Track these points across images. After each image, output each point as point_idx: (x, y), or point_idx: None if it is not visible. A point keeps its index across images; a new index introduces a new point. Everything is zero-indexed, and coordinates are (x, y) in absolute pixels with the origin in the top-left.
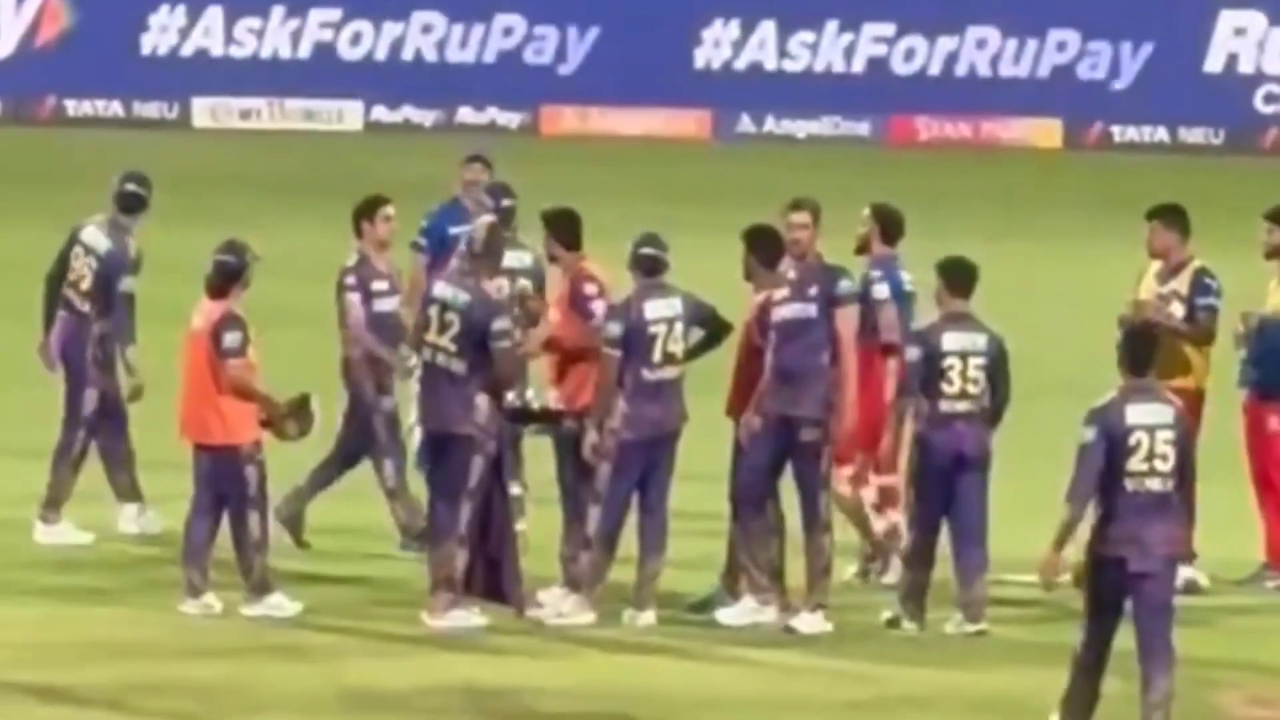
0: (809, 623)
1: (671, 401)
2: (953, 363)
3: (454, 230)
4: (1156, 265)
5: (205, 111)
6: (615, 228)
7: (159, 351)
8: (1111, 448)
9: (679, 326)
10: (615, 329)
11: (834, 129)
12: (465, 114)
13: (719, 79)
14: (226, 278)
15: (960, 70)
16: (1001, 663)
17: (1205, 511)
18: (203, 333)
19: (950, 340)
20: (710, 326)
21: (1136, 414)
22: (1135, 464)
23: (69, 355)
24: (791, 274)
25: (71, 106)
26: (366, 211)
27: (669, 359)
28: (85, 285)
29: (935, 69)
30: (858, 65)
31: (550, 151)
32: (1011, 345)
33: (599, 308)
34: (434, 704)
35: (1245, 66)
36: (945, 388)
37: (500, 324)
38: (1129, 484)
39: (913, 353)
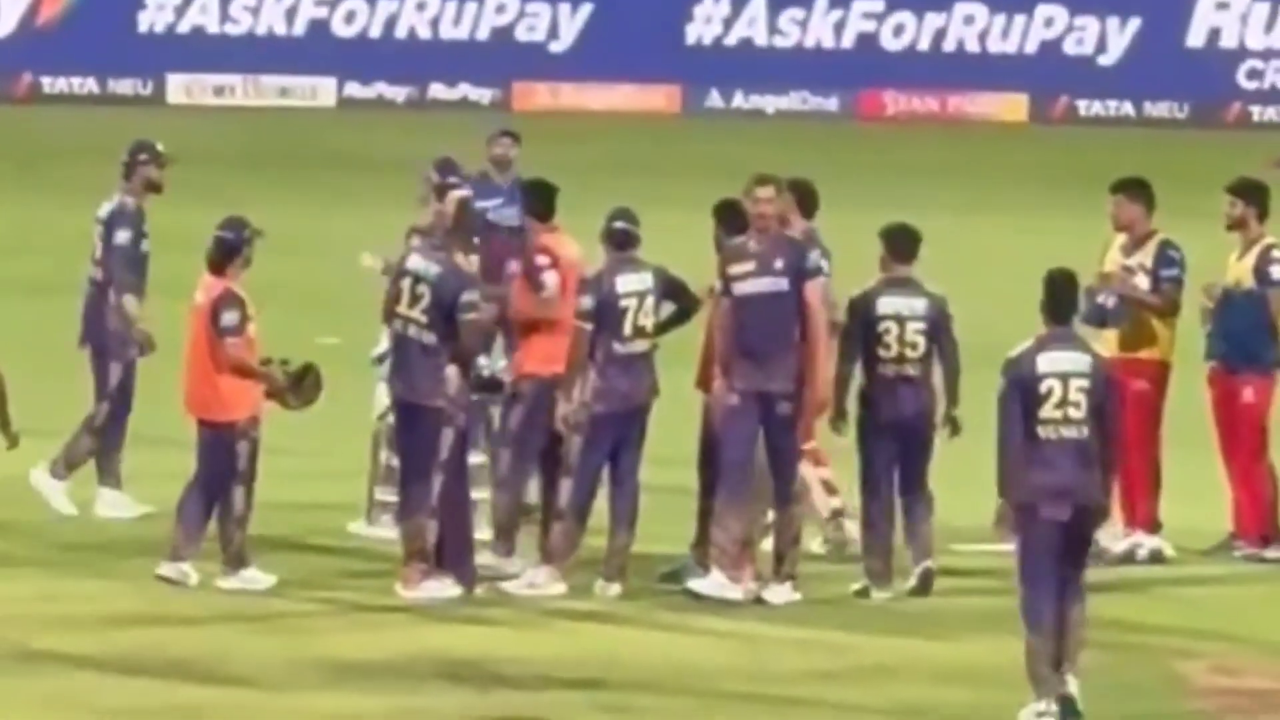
0: (779, 593)
1: (642, 375)
2: (888, 326)
3: (481, 204)
4: (1121, 238)
5: (180, 88)
6: (586, 202)
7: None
8: (1024, 396)
9: (650, 300)
10: (587, 302)
11: (803, 104)
12: (438, 90)
13: (690, 55)
14: (225, 254)
15: (925, 45)
16: (971, 631)
17: (1172, 482)
18: (203, 309)
19: (885, 304)
20: (680, 301)
21: (1049, 362)
22: (1048, 411)
23: (92, 328)
24: (754, 247)
25: (47, 84)
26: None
27: (640, 332)
28: (97, 254)
29: (902, 44)
30: (827, 41)
31: (522, 127)
32: (976, 316)
33: (549, 279)
34: (408, 674)
35: (1228, 41)
36: (882, 352)
37: (468, 296)
38: (1043, 431)
39: (849, 319)
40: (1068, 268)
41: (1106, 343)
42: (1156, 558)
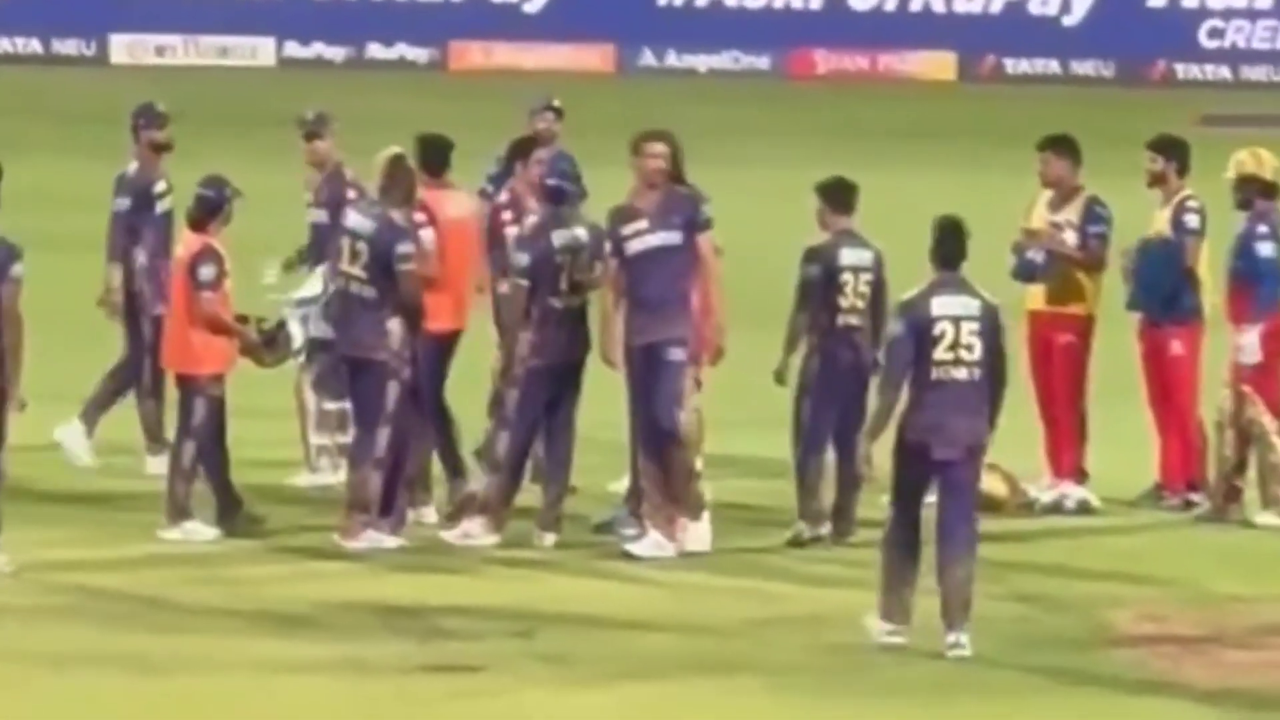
0: (695, 534)
1: (577, 329)
2: (848, 279)
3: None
4: (1047, 194)
5: (123, 48)
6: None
7: (77, 282)
8: (918, 338)
9: (584, 256)
10: (523, 259)
11: (734, 63)
12: (375, 50)
13: (623, 15)
14: (205, 212)
15: (855, 5)
16: None
17: (1099, 434)
18: (181, 263)
19: (846, 256)
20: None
21: (942, 305)
22: (940, 353)
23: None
24: (645, 205)
25: None
26: (521, 152)
27: (575, 288)
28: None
29: (832, 4)
30: (758, 1)
31: (457, 86)
32: (905, 273)
33: (426, 236)
34: (347, 622)
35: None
36: (842, 302)
37: (404, 248)
38: (935, 373)
39: (812, 270)
40: (957, 215)
41: (1034, 297)
42: (1084, 508)
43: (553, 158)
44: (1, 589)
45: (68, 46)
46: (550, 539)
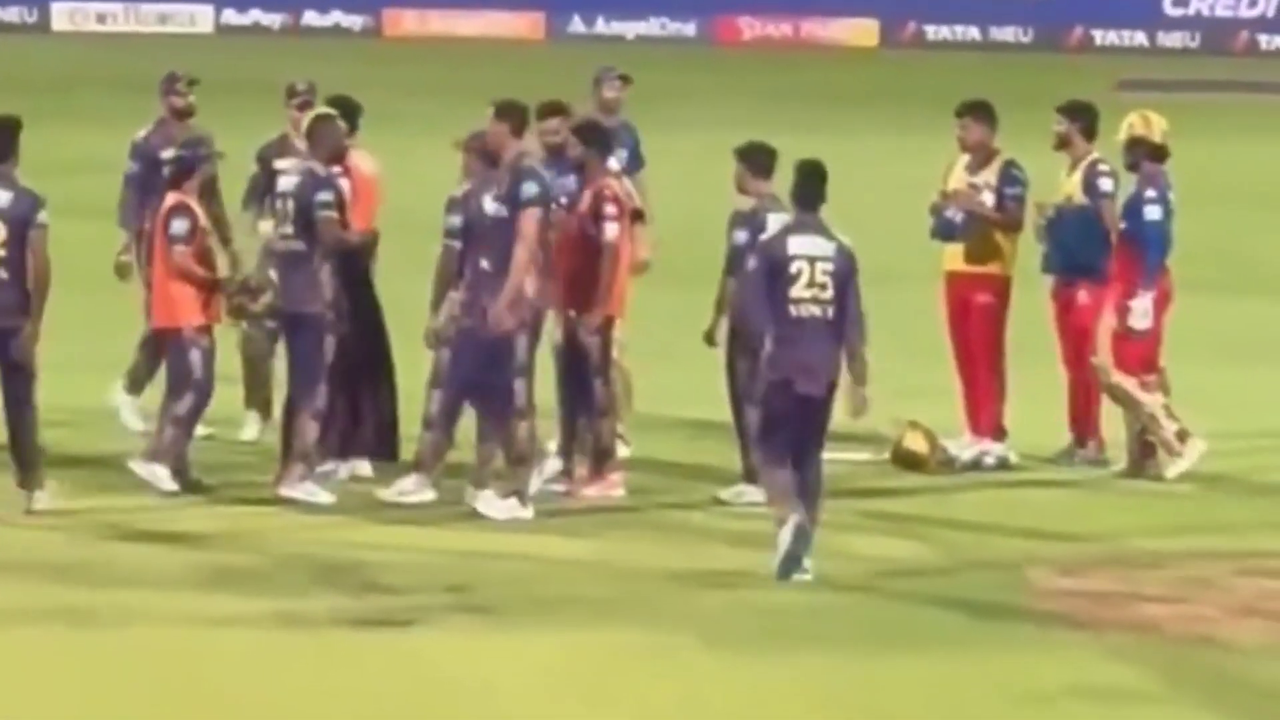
0: (498, 507)
1: None
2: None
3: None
4: (965, 157)
5: (64, 15)
6: (454, 124)
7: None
8: (774, 276)
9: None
10: (455, 220)
11: (661, 29)
12: (311, 17)
13: None
14: (181, 171)
15: None
16: (829, 536)
17: (1016, 392)
18: (160, 220)
19: (773, 220)
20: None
21: (798, 245)
22: (797, 291)
23: None
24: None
25: None
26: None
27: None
28: None
29: None
30: None
31: (392, 52)
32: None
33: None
34: (282, 577)
35: None
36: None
37: (322, 196)
38: (793, 310)
39: (741, 235)
40: (817, 159)
41: (952, 258)
42: (1003, 464)
43: (616, 128)
44: None
45: (10, 14)
46: (485, 495)
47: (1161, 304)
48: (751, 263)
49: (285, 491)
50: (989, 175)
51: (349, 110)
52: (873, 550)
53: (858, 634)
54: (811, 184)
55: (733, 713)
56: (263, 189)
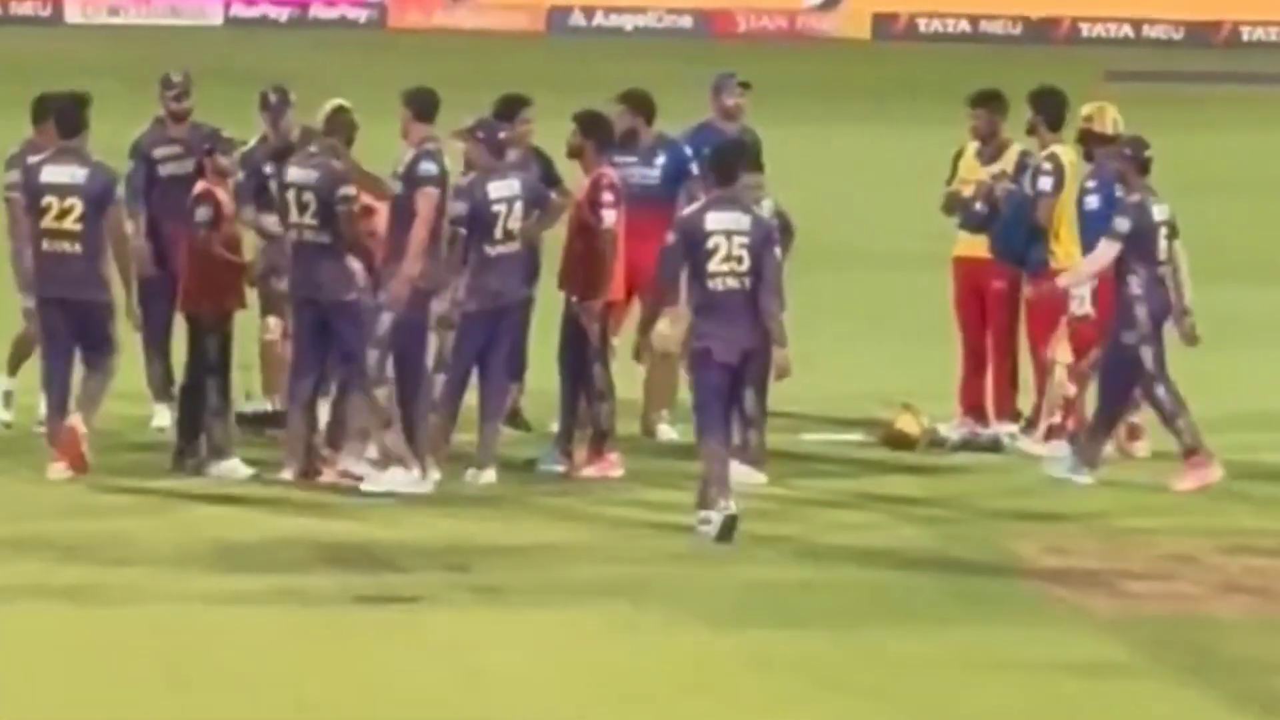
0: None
1: (511, 275)
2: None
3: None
4: (975, 145)
5: (76, 8)
6: (459, 115)
7: None
8: (692, 250)
9: (519, 205)
10: (460, 208)
11: (659, 22)
12: (318, 10)
13: None
14: (205, 160)
15: None
16: (819, 512)
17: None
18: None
19: (765, 206)
20: (545, 206)
21: (716, 220)
22: (715, 265)
23: None
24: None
25: None
26: (508, 112)
27: (509, 235)
28: None
29: None
30: None
31: (396, 44)
32: (823, 222)
33: None
34: (290, 557)
35: None
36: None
37: (344, 190)
38: (710, 283)
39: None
40: (738, 137)
41: (965, 244)
42: (994, 445)
43: (694, 131)
44: None
45: (24, 8)
46: (485, 476)
47: (1103, 291)
48: (669, 236)
49: (338, 469)
50: (1005, 164)
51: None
52: (865, 528)
53: (851, 609)
54: (730, 162)
55: (732, 686)
56: (253, 189)
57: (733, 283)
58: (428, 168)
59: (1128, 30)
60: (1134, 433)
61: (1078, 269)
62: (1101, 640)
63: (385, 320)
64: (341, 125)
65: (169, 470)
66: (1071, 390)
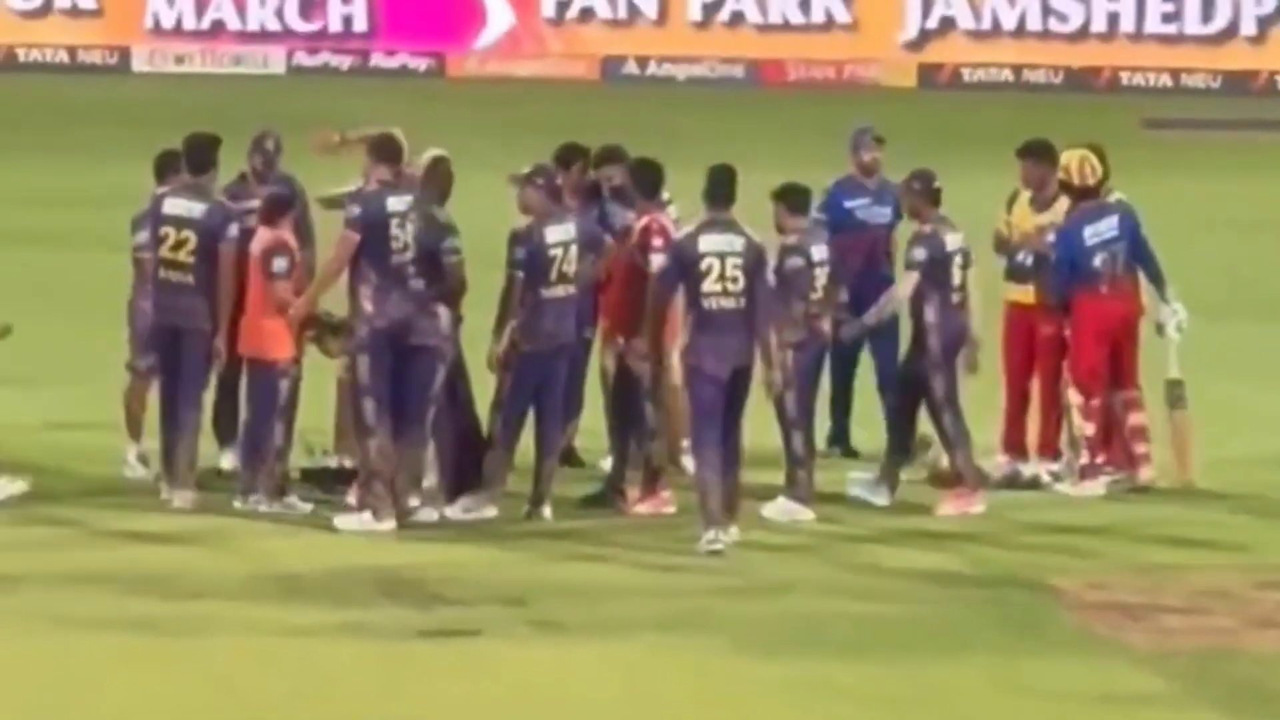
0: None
1: (565, 317)
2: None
3: (849, 204)
4: (1028, 194)
5: (143, 57)
6: (514, 160)
7: (108, 277)
8: (686, 272)
9: (574, 249)
10: (519, 252)
11: (711, 72)
12: (378, 58)
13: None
14: (277, 208)
15: (818, 18)
16: (858, 548)
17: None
18: (256, 258)
19: (816, 249)
20: (600, 251)
21: (709, 243)
22: (709, 285)
23: None
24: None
25: (22, 54)
26: (567, 160)
27: (563, 278)
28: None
29: (799, 18)
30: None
31: (455, 93)
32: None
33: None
34: (351, 590)
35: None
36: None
37: (449, 243)
38: (706, 303)
39: (796, 261)
40: (728, 163)
41: (1019, 290)
42: (1034, 483)
43: (877, 187)
44: (25, 559)
45: (93, 55)
46: (541, 512)
47: (1090, 332)
48: (664, 259)
49: (423, 517)
50: (1053, 215)
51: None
52: (911, 564)
53: (898, 642)
54: (721, 185)
55: (786, 714)
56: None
57: (726, 302)
58: (352, 210)
59: (1166, 80)
60: (1138, 460)
61: (882, 305)
62: (1139, 672)
63: (362, 365)
64: (440, 175)
65: (235, 504)
66: (1090, 429)
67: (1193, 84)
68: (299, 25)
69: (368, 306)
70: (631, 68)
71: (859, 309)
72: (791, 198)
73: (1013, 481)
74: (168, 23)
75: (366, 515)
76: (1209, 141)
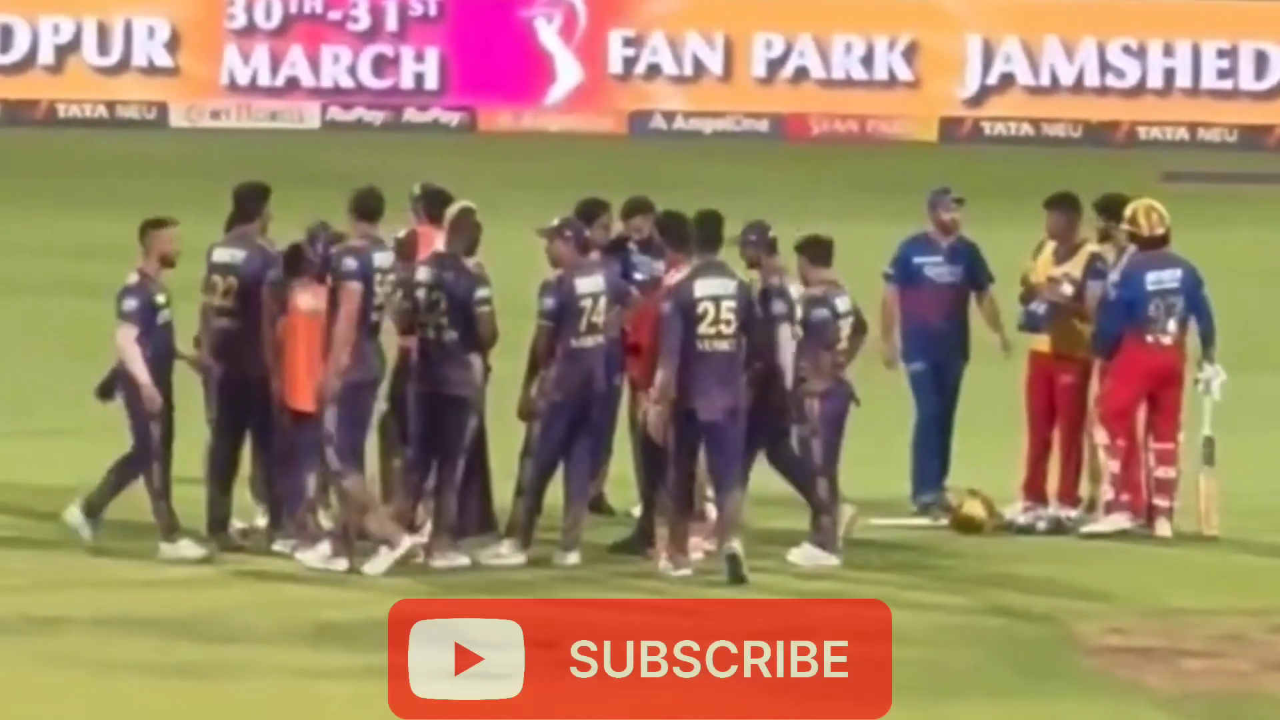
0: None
1: (594, 366)
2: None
3: (917, 260)
4: (1051, 244)
5: (180, 112)
6: (544, 212)
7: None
8: (684, 316)
9: (603, 300)
10: (549, 303)
11: (736, 125)
12: (411, 113)
13: (636, 83)
14: (314, 261)
15: (839, 73)
16: (891, 589)
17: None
18: (318, 314)
19: (841, 301)
20: (626, 302)
21: (704, 287)
22: (704, 329)
23: None
24: None
25: (62, 109)
26: (589, 215)
27: (592, 329)
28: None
29: (822, 73)
30: (759, 70)
31: (486, 146)
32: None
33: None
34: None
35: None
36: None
37: (482, 293)
38: (700, 345)
39: (821, 313)
40: (715, 209)
41: (1039, 341)
42: (1056, 528)
43: (949, 247)
44: (65, 602)
45: (130, 111)
46: (571, 558)
47: (1127, 374)
48: (664, 307)
49: (436, 564)
50: (1073, 267)
51: (442, 199)
52: (932, 607)
53: (916, 684)
54: (710, 230)
55: None
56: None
57: (720, 345)
58: (348, 264)
59: (1184, 134)
60: (1157, 513)
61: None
62: (1158, 714)
63: (329, 416)
64: (467, 226)
65: (265, 549)
66: (1115, 465)
67: (1209, 138)
68: (345, 81)
69: (344, 359)
70: (659, 122)
71: (934, 361)
72: (814, 249)
73: (1034, 527)
74: (242, 79)
75: (383, 553)
76: (1225, 194)
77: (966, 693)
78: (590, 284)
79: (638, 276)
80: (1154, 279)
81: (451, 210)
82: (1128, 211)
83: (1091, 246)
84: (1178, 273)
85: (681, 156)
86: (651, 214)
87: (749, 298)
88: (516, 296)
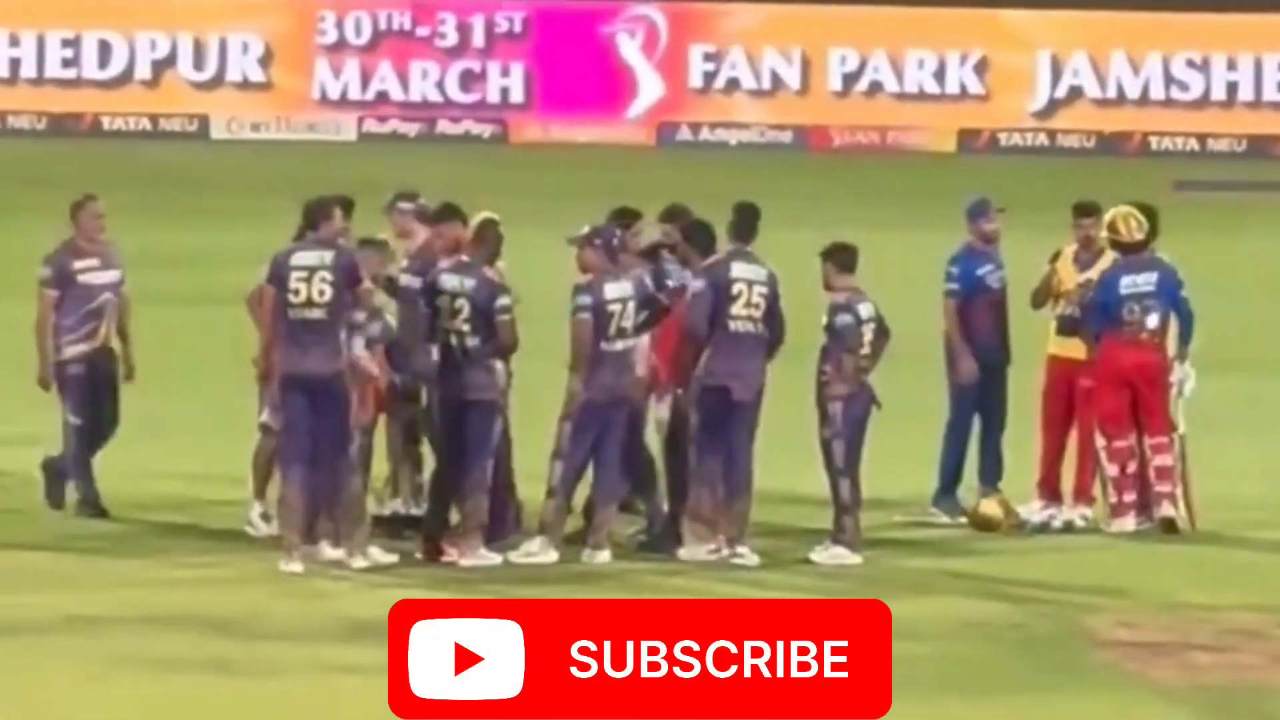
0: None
1: (624, 369)
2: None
3: (979, 272)
4: (1071, 251)
5: (221, 124)
6: (572, 222)
7: (216, 332)
8: (717, 296)
9: (631, 305)
10: (584, 299)
11: (760, 137)
12: (444, 125)
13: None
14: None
15: (863, 86)
16: (912, 591)
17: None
18: None
19: (864, 308)
20: (652, 307)
21: (739, 270)
22: (736, 309)
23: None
24: None
25: (106, 121)
26: (622, 222)
27: (621, 333)
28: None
29: (842, 86)
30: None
31: (517, 157)
32: (916, 322)
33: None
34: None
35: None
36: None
37: (503, 300)
38: (731, 325)
39: (844, 319)
40: (752, 201)
41: (1059, 344)
42: (1068, 527)
43: (964, 252)
44: (111, 601)
45: (173, 124)
46: (601, 556)
47: (1107, 378)
48: (699, 284)
49: (466, 562)
50: (1094, 272)
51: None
52: (951, 603)
53: (936, 679)
54: (747, 220)
55: None
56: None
57: (749, 326)
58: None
59: (1194, 144)
60: (1157, 498)
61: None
62: (1168, 707)
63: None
64: (489, 237)
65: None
66: (1114, 469)
67: (1219, 148)
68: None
69: (277, 355)
70: (685, 134)
71: (987, 366)
72: (838, 256)
73: (1048, 526)
74: (333, 93)
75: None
76: (1235, 202)
77: (979, 688)
78: (618, 290)
79: (669, 284)
80: (1128, 282)
81: (474, 221)
82: (1107, 218)
83: (1112, 254)
84: (1154, 276)
85: (707, 167)
86: (681, 221)
87: (777, 289)
88: (543, 301)
